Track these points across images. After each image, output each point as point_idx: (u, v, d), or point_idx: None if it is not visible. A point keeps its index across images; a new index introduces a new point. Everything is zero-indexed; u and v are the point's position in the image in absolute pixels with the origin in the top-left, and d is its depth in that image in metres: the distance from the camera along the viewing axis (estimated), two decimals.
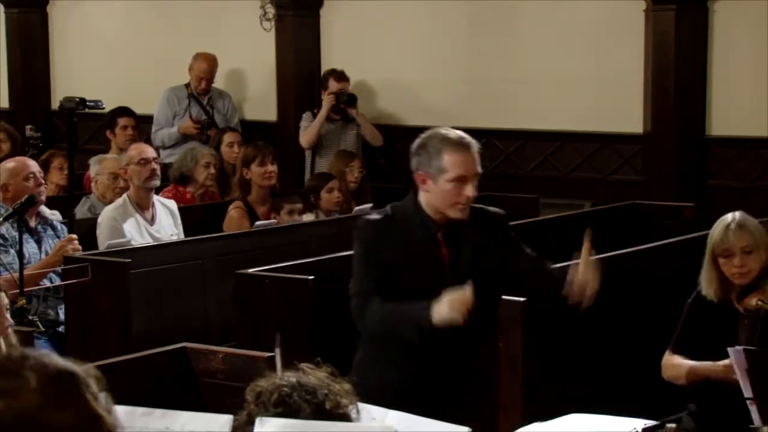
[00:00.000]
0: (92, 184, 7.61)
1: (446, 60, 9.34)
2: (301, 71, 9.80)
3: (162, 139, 9.28)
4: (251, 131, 9.55)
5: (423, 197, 4.35)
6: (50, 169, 8.11)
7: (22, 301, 5.57)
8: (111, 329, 5.89)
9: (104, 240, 6.66)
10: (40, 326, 6.06)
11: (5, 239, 6.24)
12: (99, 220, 6.87)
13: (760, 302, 4.66)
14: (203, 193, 8.10)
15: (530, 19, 8.98)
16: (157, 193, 7.21)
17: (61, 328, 6.32)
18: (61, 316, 6.32)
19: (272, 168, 7.59)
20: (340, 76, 9.10)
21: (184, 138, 9.19)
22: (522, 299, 4.91)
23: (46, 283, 6.31)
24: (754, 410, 4.34)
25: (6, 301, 4.21)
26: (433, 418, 2.82)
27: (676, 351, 4.85)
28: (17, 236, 5.81)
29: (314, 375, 2.35)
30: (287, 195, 7.59)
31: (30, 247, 6.24)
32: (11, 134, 9.14)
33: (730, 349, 4.39)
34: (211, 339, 5.73)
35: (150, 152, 7.07)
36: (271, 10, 9.82)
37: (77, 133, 8.39)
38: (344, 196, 7.88)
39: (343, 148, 8.86)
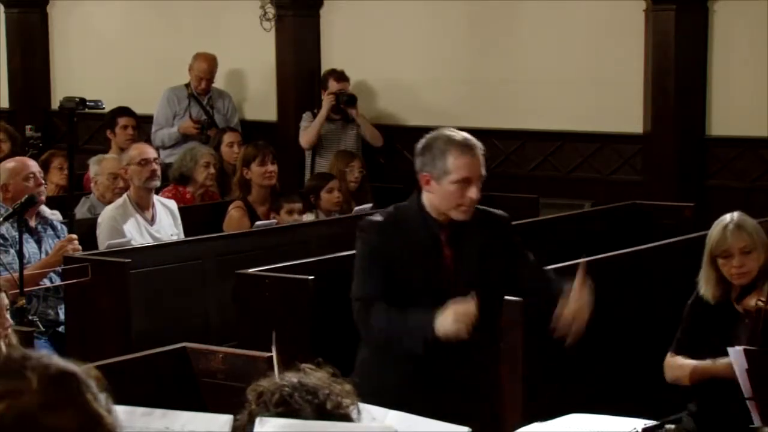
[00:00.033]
0: (92, 185, 7.61)
1: (446, 60, 9.34)
2: (301, 71, 9.80)
3: (162, 139, 9.28)
4: (251, 131, 9.55)
5: (426, 198, 4.34)
6: (50, 169, 8.11)
7: (22, 301, 5.57)
8: (111, 329, 5.89)
9: (104, 240, 6.66)
10: (40, 326, 6.06)
11: (5, 239, 6.24)
12: (99, 220, 6.87)
13: (759, 302, 4.66)
14: (203, 193, 8.10)
15: (530, 19, 8.98)
16: (157, 193, 7.21)
17: (61, 328, 6.32)
18: (61, 316, 6.32)
19: (272, 168, 7.60)
20: (340, 76, 9.10)
21: (184, 138, 9.19)
22: (522, 299, 4.90)
23: (46, 283, 6.31)
24: (754, 410, 4.34)
25: (6, 301, 4.21)
26: (434, 418, 2.82)
27: (678, 352, 4.85)
28: (17, 236, 5.81)
29: (315, 375, 2.35)
30: (287, 195, 7.60)
31: (30, 247, 6.24)
32: (11, 134, 9.15)
33: (730, 349, 4.40)
34: (211, 339, 5.73)
35: (151, 153, 7.07)
36: (271, 10, 9.82)
37: (77, 133, 8.40)
38: (344, 196, 7.89)
39: (343, 148, 8.87)
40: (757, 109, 8.10)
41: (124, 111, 8.99)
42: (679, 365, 4.81)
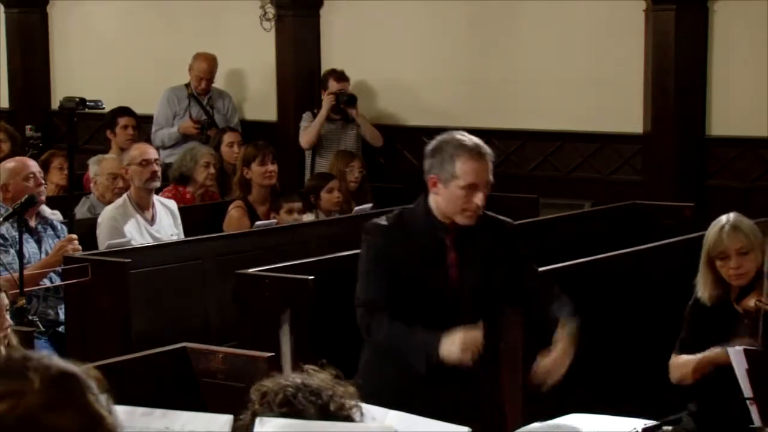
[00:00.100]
0: (91, 185, 7.61)
1: (446, 60, 9.34)
2: (301, 71, 9.80)
3: (162, 139, 9.28)
4: (251, 131, 9.55)
5: (433, 200, 4.34)
6: (50, 169, 8.11)
7: (22, 301, 5.57)
8: (111, 329, 5.89)
9: (104, 240, 6.66)
10: (40, 326, 6.06)
11: (5, 239, 6.24)
12: (99, 220, 6.87)
13: (758, 302, 4.66)
14: (203, 193, 8.11)
15: (530, 19, 8.99)
16: (157, 193, 7.21)
17: (61, 328, 6.32)
18: (61, 316, 6.32)
19: (272, 167, 7.60)
20: (340, 76, 9.10)
21: (184, 138, 9.19)
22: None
23: (46, 283, 6.31)
24: (754, 410, 4.34)
25: (6, 301, 4.21)
26: (435, 418, 2.82)
27: (681, 353, 4.85)
28: (17, 236, 5.81)
29: (319, 377, 2.35)
30: (287, 195, 7.60)
31: (30, 247, 6.24)
32: (11, 134, 9.15)
33: (729, 349, 4.40)
34: (211, 339, 5.73)
35: (152, 153, 7.07)
36: (271, 10, 9.82)
37: (77, 133, 8.40)
38: (344, 196, 7.89)
39: (343, 148, 8.87)
40: (757, 109, 8.10)
41: (124, 111, 8.99)
42: (682, 363, 4.81)
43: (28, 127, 10.56)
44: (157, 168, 7.00)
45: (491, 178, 4.31)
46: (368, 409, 2.41)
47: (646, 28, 8.41)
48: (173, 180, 8.12)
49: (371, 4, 9.64)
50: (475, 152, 4.27)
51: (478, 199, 4.25)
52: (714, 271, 4.80)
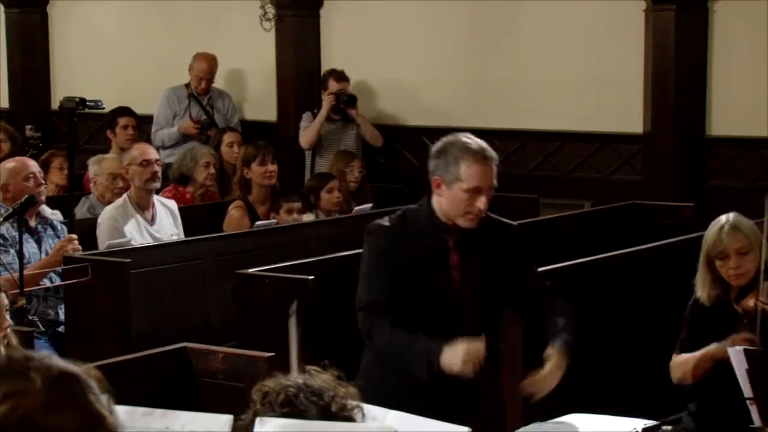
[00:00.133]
0: (91, 185, 7.61)
1: (446, 60, 9.34)
2: (301, 71, 9.80)
3: (162, 139, 9.29)
4: (251, 131, 9.56)
5: (436, 201, 4.33)
6: (50, 169, 8.11)
7: (22, 301, 5.57)
8: (111, 329, 5.89)
9: (104, 240, 6.66)
10: (40, 326, 6.06)
11: (5, 239, 6.24)
12: (99, 220, 6.87)
13: (758, 303, 4.66)
14: (203, 193, 8.11)
15: (530, 19, 8.99)
16: (157, 193, 7.21)
17: (61, 328, 6.32)
18: (61, 316, 6.32)
19: (273, 167, 7.60)
20: (340, 76, 9.10)
21: (184, 138, 9.19)
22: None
23: (46, 283, 6.31)
24: (754, 410, 4.34)
25: (6, 301, 4.21)
26: (435, 419, 2.82)
27: (682, 353, 4.85)
28: (17, 236, 5.81)
29: (320, 377, 2.35)
30: (287, 194, 7.60)
31: (30, 247, 6.24)
32: (11, 134, 9.15)
33: (729, 349, 4.40)
34: (211, 339, 5.73)
35: (153, 154, 7.07)
36: (271, 10, 9.82)
37: (77, 133, 8.40)
38: (344, 196, 7.89)
39: (343, 148, 8.87)
40: (757, 109, 8.10)
41: (124, 111, 8.99)
42: (683, 361, 4.80)
43: (28, 127, 10.56)
44: (158, 168, 7.00)
45: (495, 182, 4.30)
46: (368, 409, 2.41)
47: (646, 28, 8.41)
48: (173, 180, 8.12)
49: (371, 4, 9.64)
50: (480, 156, 4.26)
51: (481, 203, 4.24)
52: (713, 271, 4.80)
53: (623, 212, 7.45)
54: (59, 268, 6.15)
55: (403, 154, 9.45)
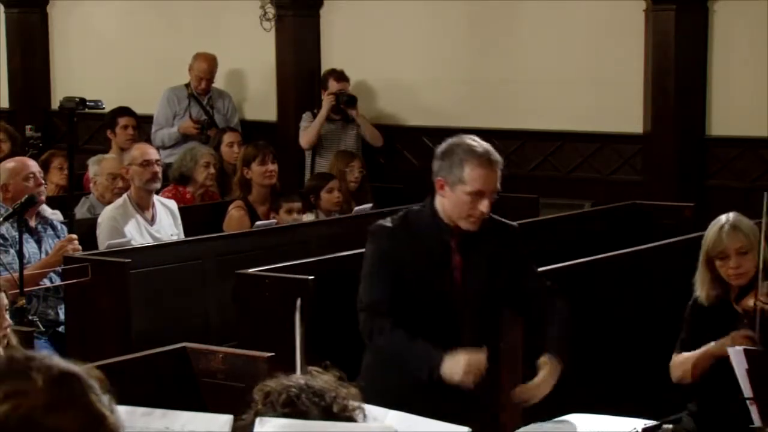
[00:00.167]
0: (91, 185, 7.61)
1: (446, 60, 9.34)
2: (301, 71, 9.80)
3: (162, 139, 9.29)
4: (251, 131, 9.56)
5: (439, 203, 4.33)
6: (50, 169, 8.11)
7: (22, 301, 5.57)
8: (111, 329, 5.89)
9: (104, 240, 6.66)
10: (40, 326, 6.06)
11: (5, 239, 6.24)
12: (99, 220, 6.87)
13: (758, 302, 4.66)
14: (203, 193, 8.11)
15: (530, 19, 8.99)
16: (157, 193, 7.21)
17: (61, 328, 6.32)
18: (61, 316, 6.32)
19: (273, 167, 7.61)
20: (340, 76, 9.10)
21: (184, 138, 9.20)
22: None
23: (46, 283, 6.31)
24: (754, 410, 4.34)
25: (6, 301, 4.21)
26: (435, 419, 2.82)
27: (682, 353, 4.85)
28: (17, 236, 5.81)
29: (322, 378, 2.35)
30: (287, 194, 7.60)
31: (30, 247, 6.24)
32: (11, 134, 9.15)
33: (729, 349, 4.40)
34: (211, 339, 5.73)
35: (153, 154, 7.07)
36: (271, 10, 9.83)
37: (77, 133, 8.40)
38: (344, 196, 7.89)
39: (343, 148, 8.87)
40: (757, 109, 8.10)
41: (124, 111, 8.99)
42: (682, 360, 4.80)
43: (28, 127, 10.56)
44: (158, 169, 7.00)
45: (499, 186, 4.30)
46: (368, 409, 2.41)
47: (646, 28, 8.41)
48: (173, 180, 8.12)
49: (371, 4, 9.64)
50: (484, 159, 4.25)
51: (484, 206, 4.23)
52: (712, 271, 4.80)
53: (623, 212, 7.45)
54: (59, 268, 6.15)
55: (403, 154, 9.45)
